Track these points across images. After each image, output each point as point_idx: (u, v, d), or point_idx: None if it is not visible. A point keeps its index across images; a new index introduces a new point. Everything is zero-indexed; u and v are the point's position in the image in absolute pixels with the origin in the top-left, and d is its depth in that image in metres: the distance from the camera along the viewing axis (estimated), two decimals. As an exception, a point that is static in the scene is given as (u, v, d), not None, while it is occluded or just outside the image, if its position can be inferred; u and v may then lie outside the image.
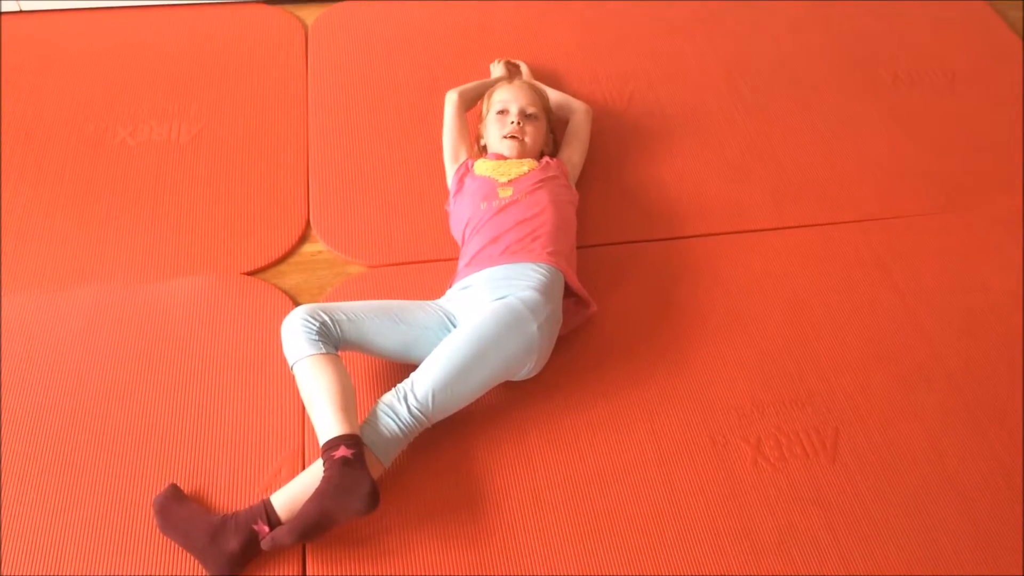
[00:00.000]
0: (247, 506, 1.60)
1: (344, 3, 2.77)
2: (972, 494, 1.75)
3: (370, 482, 1.54)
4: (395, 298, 1.89)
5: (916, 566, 1.65)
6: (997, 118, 2.52)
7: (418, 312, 1.80)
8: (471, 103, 2.27)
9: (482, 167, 2.04)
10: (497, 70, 2.43)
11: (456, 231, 2.03)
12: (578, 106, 2.29)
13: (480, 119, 2.21)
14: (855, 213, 2.25)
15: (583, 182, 2.20)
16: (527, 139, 2.08)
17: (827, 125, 2.47)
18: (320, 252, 2.13)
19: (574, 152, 2.19)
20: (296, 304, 1.99)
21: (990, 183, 2.35)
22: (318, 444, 1.60)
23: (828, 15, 2.80)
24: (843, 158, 2.39)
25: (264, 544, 1.54)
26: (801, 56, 2.67)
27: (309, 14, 2.73)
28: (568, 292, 1.92)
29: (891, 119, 2.50)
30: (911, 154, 2.41)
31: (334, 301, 1.86)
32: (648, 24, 2.74)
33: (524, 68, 2.44)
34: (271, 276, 2.07)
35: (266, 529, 1.56)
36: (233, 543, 1.54)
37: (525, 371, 1.80)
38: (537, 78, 2.40)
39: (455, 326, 1.80)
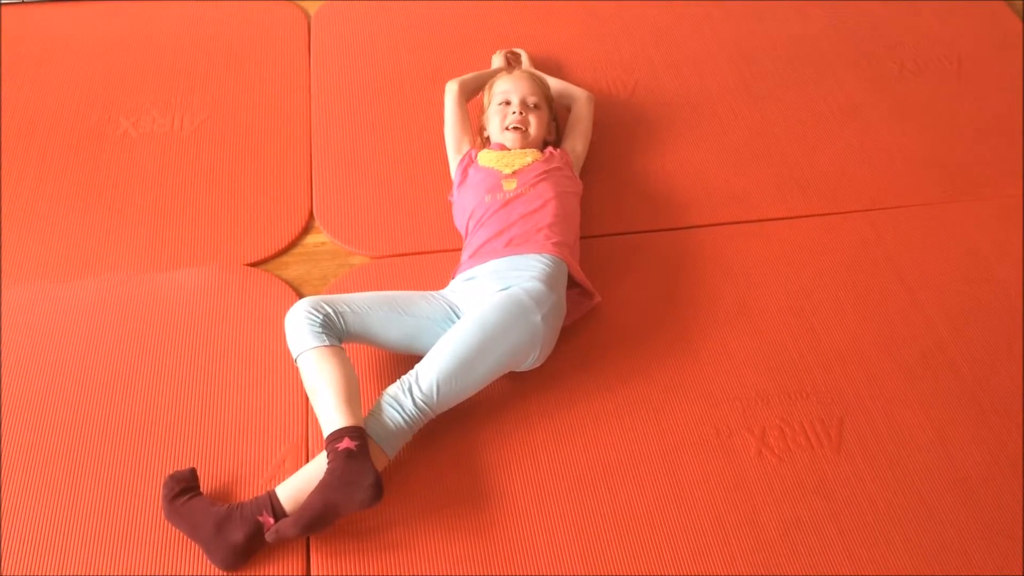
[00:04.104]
0: (252, 497, 1.60)
1: (346, -8, 2.76)
2: (977, 484, 1.75)
3: (374, 474, 1.55)
4: (399, 289, 1.88)
5: (921, 555, 1.65)
6: (1003, 107, 2.50)
7: (422, 303, 1.80)
8: (471, 93, 2.26)
9: (486, 158, 2.03)
10: (498, 60, 2.42)
11: (459, 222, 2.02)
12: (579, 94, 2.27)
13: (482, 111, 2.20)
14: (861, 202, 2.24)
15: (587, 172, 2.19)
16: (530, 130, 2.07)
17: (833, 114, 2.46)
18: (323, 243, 2.13)
19: (577, 141, 2.18)
20: (299, 295, 1.99)
21: (996, 172, 2.33)
22: (322, 435, 1.60)
23: (834, 3, 2.78)
24: (849, 147, 2.37)
25: (269, 536, 1.55)
26: (807, 44, 2.65)
27: (312, 4, 2.71)
28: (572, 283, 1.91)
29: (897, 107, 2.48)
30: (917, 143, 2.39)
31: (337, 292, 1.86)
32: (652, 12, 2.72)
33: (525, 57, 2.43)
34: (274, 267, 2.07)
35: (271, 521, 1.56)
36: (238, 534, 1.55)
37: (529, 362, 1.80)
38: (540, 67, 2.39)
39: (459, 317, 1.80)
